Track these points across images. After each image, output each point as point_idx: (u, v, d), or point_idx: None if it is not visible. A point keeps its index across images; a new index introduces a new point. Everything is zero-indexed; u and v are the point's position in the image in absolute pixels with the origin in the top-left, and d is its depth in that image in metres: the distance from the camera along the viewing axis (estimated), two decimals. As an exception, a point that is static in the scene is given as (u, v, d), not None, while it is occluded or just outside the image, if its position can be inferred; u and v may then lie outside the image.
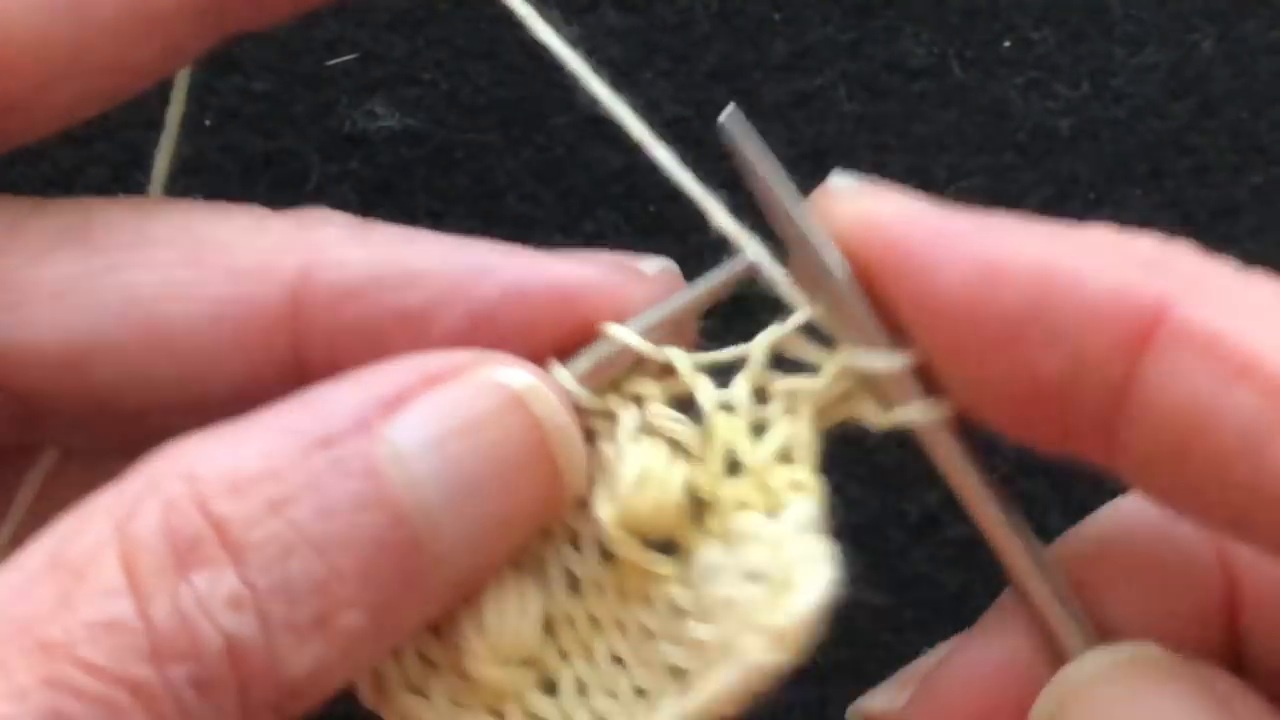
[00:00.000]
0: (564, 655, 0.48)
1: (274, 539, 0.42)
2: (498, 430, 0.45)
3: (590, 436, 0.47)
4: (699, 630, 0.46)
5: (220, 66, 0.60)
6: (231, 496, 0.42)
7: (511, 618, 0.47)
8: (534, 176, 0.60)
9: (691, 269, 0.59)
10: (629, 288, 0.48)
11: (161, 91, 0.58)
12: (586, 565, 0.48)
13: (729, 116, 0.47)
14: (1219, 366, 0.42)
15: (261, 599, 0.42)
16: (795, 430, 0.47)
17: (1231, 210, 0.60)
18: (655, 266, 0.49)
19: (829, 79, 0.61)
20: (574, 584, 0.48)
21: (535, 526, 0.47)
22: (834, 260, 0.46)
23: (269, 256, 0.48)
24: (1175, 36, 0.61)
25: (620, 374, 0.47)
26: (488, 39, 0.60)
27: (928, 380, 0.46)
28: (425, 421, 0.44)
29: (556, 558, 0.48)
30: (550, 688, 0.48)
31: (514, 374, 0.45)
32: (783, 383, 0.47)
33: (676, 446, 0.47)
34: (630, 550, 0.47)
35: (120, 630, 0.41)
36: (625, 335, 0.47)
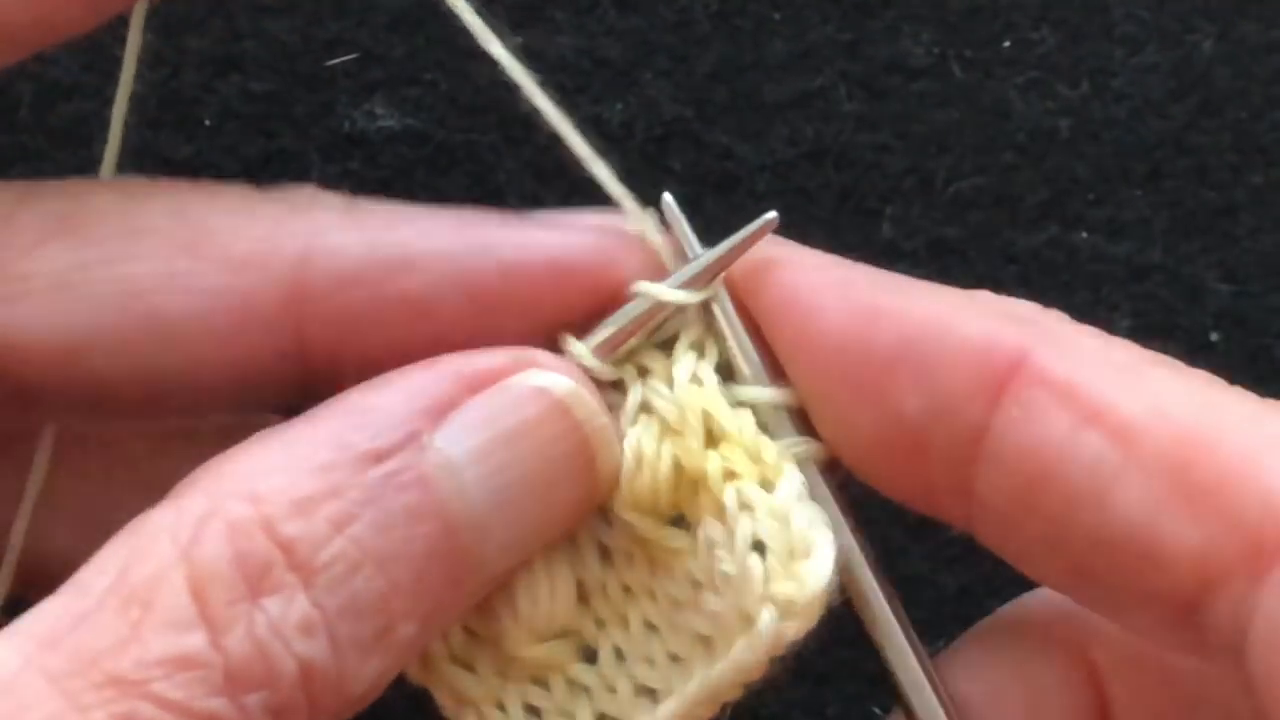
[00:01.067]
0: (600, 623, 0.48)
1: (340, 558, 0.42)
2: (542, 437, 0.45)
3: (611, 408, 0.47)
4: (712, 602, 0.47)
5: (220, 66, 0.60)
6: (296, 517, 0.42)
7: (543, 600, 0.47)
8: (534, 176, 0.60)
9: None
10: (625, 256, 0.48)
11: (164, 92, 0.58)
12: (616, 537, 0.48)
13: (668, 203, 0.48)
14: (1071, 410, 0.43)
15: (331, 620, 0.42)
16: (771, 399, 0.48)
17: (1231, 210, 0.60)
18: (638, 225, 0.48)
19: (829, 79, 0.61)
20: (605, 554, 0.49)
21: (573, 524, 0.47)
22: (724, 300, 0.47)
23: (266, 244, 0.47)
24: (1175, 36, 0.61)
25: (634, 342, 0.48)
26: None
27: (805, 420, 0.47)
28: (472, 430, 0.45)
29: (588, 531, 0.48)
30: (590, 656, 0.48)
31: (554, 379, 0.46)
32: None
33: (666, 426, 0.47)
34: (645, 528, 0.47)
35: (194, 664, 0.41)
36: (657, 290, 0.47)
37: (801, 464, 0.47)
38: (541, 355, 0.46)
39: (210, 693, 0.41)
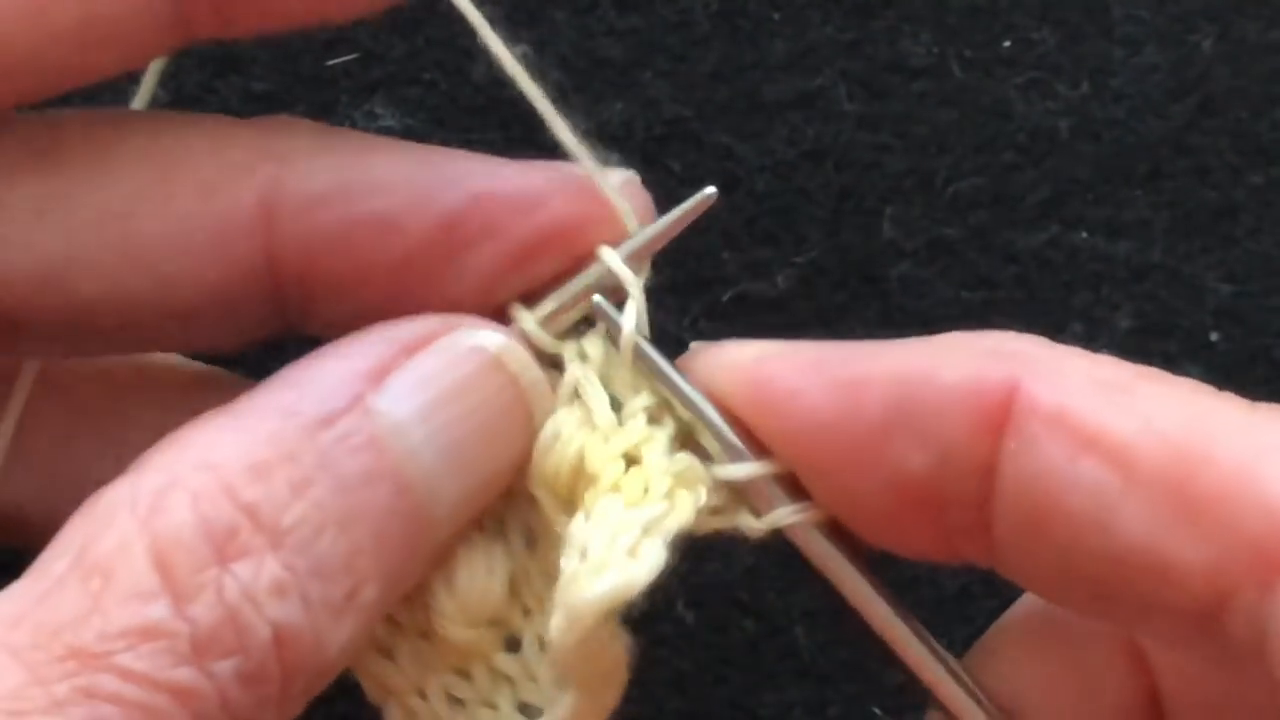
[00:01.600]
0: (526, 612, 0.48)
1: (304, 520, 0.43)
2: (481, 393, 0.46)
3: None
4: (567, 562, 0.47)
5: (220, 66, 0.60)
6: (257, 482, 0.43)
7: (480, 577, 0.48)
8: (534, 176, 0.60)
9: (692, 268, 0.59)
10: (589, 200, 0.48)
11: (164, 92, 0.58)
12: (539, 520, 0.48)
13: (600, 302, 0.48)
14: (1066, 439, 0.43)
15: (303, 582, 0.42)
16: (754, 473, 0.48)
17: (1231, 210, 0.60)
18: (619, 178, 0.49)
19: (829, 79, 0.61)
20: (531, 540, 0.49)
21: (512, 479, 0.48)
22: (699, 399, 0.47)
23: (238, 168, 0.48)
24: (1175, 36, 0.61)
25: (576, 315, 0.48)
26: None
27: (796, 487, 0.47)
28: (413, 391, 0.45)
29: (517, 514, 0.48)
30: (514, 645, 0.48)
31: (487, 336, 0.46)
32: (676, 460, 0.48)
33: (588, 417, 0.48)
34: (547, 506, 0.48)
35: (158, 634, 0.41)
36: (612, 260, 0.47)
37: (802, 528, 0.47)
38: (470, 318, 0.47)
39: (176, 662, 0.40)
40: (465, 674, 0.48)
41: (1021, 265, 0.60)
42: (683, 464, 0.47)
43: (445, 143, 0.60)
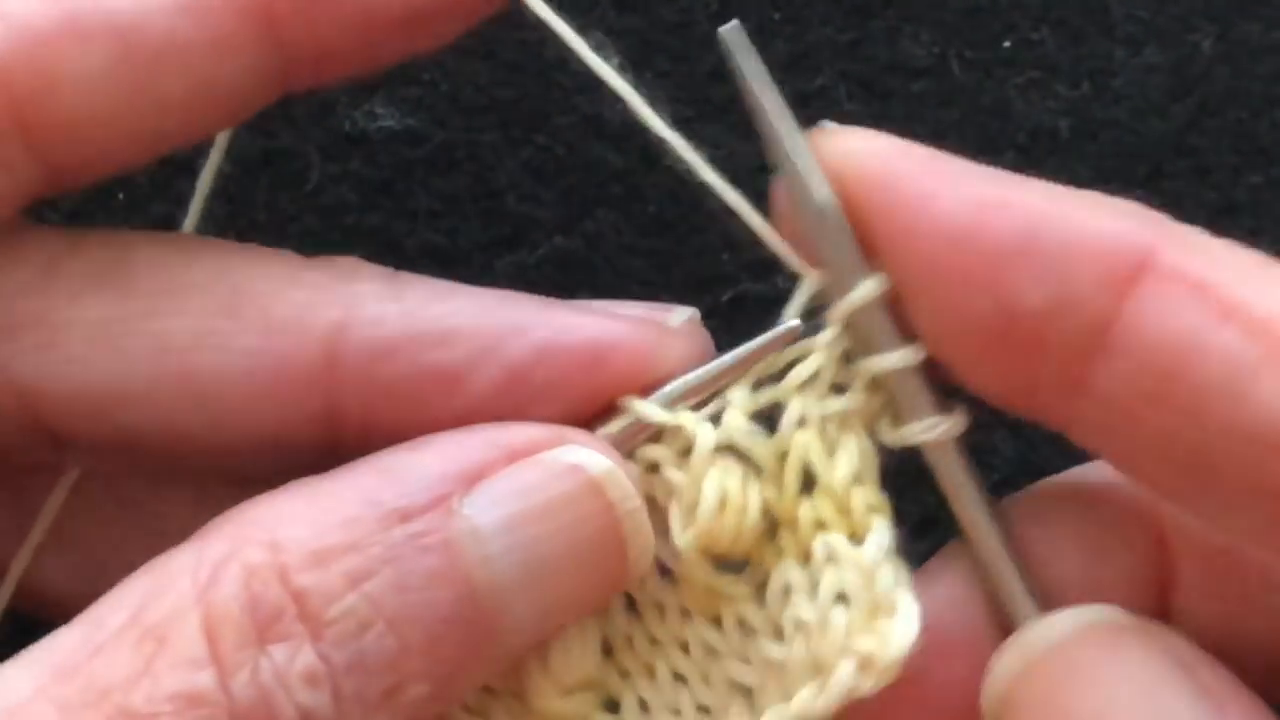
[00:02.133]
0: (625, 675, 0.48)
1: (351, 614, 0.42)
2: (573, 514, 0.45)
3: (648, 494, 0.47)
4: (772, 649, 0.47)
5: (220, 66, 0.60)
6: (313, 568, 0.42)
7: (574, 652, 0.47)
8: (534, 176, 0.60)
9: (691, 268, 0.59)
10: (658, 346, 0.48)
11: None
12: (645, 589, 0.48)
13: (730, 29, 0.47)
14: (1207, 307, 0.43)
15: (336, 674, 0.42)
16: (863, 450, 0.47)
17: (1231, 210, 0.60)
18: (681, 318, 0.49)
19: (829, 79, 0.61)
20: (631, 605, 0.48)
21: (598, 608, 0.47)
22: (821, 184, 0.46)
23: (305, 309, 0.47)
24: (1175, 36, 0.61)
25: (643, 439, 0.47)
26: (488, 39, 0.60)
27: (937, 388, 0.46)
28: (503, 500, 0.44)
29: None
30: (613, 707, 0.48)
31: (591, 457, 0.46)
32: (829, 403, 0.47)
33: (749, 465, 0.47)
34: (703, 573, 0.47)
35: (202, 702, 0.41)
36: (643, 409, 0.47)
37: (936, 444, 0.47)
38: (579, 434, 0.46)
39: None
40: None
41: (1021, 265, 0.60)
42: (853, 461, 0.47)
43: (445, 142, 0.60)
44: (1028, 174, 0.60)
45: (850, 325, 0.47)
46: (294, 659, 0.42)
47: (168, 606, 0.42)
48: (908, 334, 0.47)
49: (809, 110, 0.60)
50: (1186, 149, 0.61)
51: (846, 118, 0.60)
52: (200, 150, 0.59)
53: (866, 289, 0.46)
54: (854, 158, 0.46)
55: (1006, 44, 0.61)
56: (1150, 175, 0.60)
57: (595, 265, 0.60)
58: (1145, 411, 0.44)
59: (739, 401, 0.47)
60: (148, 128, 0.47)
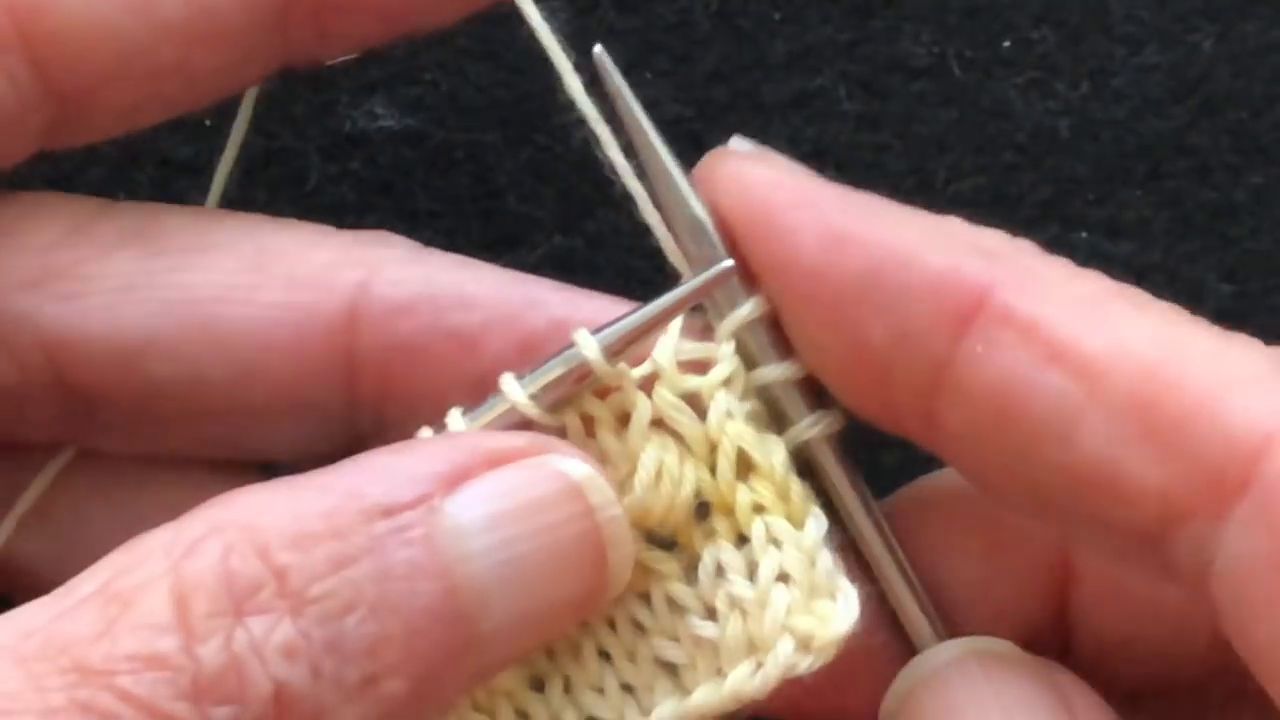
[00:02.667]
0: (551, 655, 0.48)
1: (333, 595, 0.42)
2: (554, 517, 0.45)
3: (561, 433, 0.47)
4: (704, 628, 0.47)
5: (220, 66, 0.60)
6: (294, 549, 0.42)
7: None
8: (534, 176, 0.60)
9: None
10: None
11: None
12: None
13: (601, 52, 0.49)
14: (1035, 349, 0.44)
15: (315, 651, 0.42)
16: (787, 445, 0.48)
17: (1231, 210, 0.60)
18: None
19: (829, 79, 0.61)
20: None
21: (578, 618, 0.47)
22: (691, 203, 0.48)
23: (328, 268, 0.49)
24: (1175, 36, 0.61)
25: (578, 390, 0.48)
26: (488, 39, 0.60)
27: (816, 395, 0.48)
28: (484, 500, 0.44)
29: None
30: (539, 686, 0.48)
31: (572, 464, 0.46)
32: (745, 403, 0.48)
33: (682, 444, 0.47)
34: (636, 547, 0.47)
35: (162, 664, 0.41)
36: (586, 348, 0.47)
37: (814, 443, 0.48)
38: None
39: (175, 695, 0.40)
40: (489, 712, 0.48)
41: (1021, 265, 0.60)
42: (783, 452, 0.48)
43: (445, 142, 0.60)
44: (1028, 174, 0.60)
45: (738, 337, 0.48)
46: (272, 632, 0.41)
47: (139, 576, 0.42)
48: (788, 347, 0.48)
49: (809, 110, 0.61)
50: (1186, 149, 0.61)
51: (846, 118, 0.60)
52: (201, 151, 0.59)
53: (745, 311, 0.48)
54: (732, 187, 0.47)
55: (1006, 44, 0.61)
56: (1150, 175, 0.60)
57: (595, 265, 0.60)
58: (985, 449, 0.45)
59: (669, 380, 0.47)
60: (147, 54, 0.48)
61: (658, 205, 0.49)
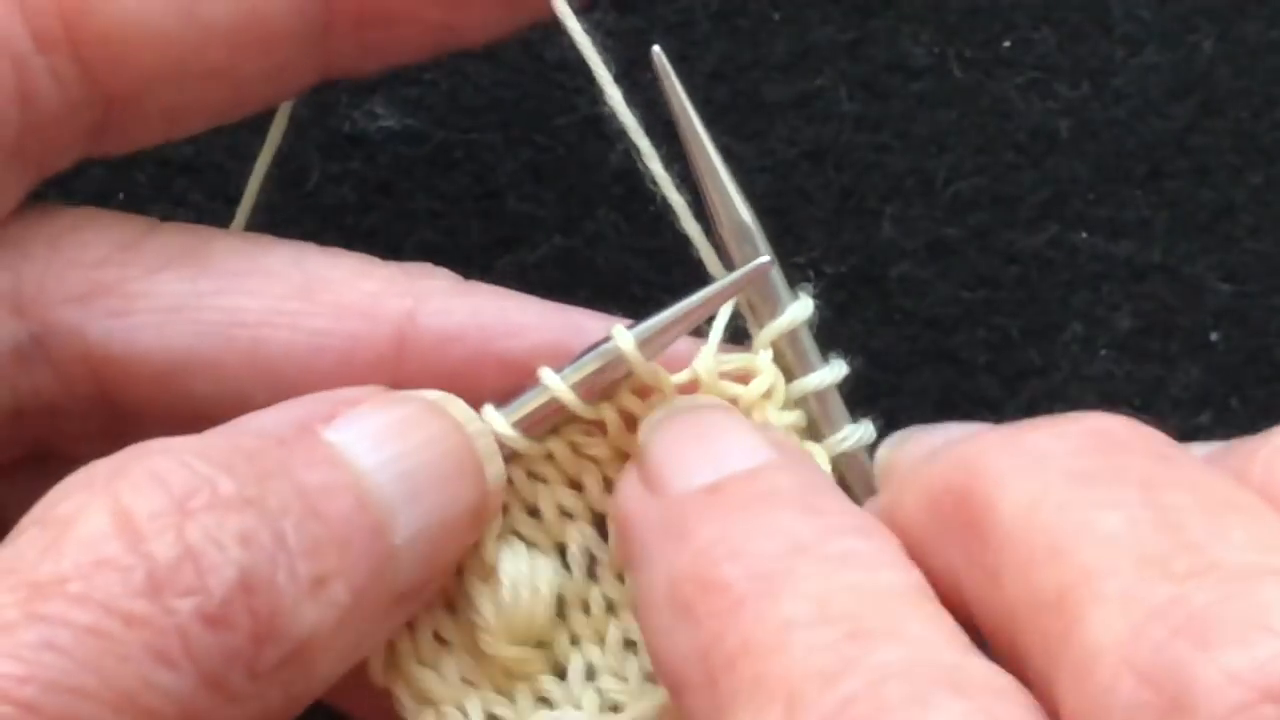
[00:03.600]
0: (575, 640, 0.48)
1: (265, 499, 0.43)
2: (429, 431, 0.46)
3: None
4: None
5: (220, 66, 0.60)
6: (215, 465, 0.43)
7: (525, 594, 0.48)
8: (534, 176, 0.60)
9: (691, 268, 0.59)
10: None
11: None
12: (611, 550, 0.48)
13: (659, 52, 0.50)
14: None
15: (267, 543, 0.42)
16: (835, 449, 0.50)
17: (1231, 210, 0.60)
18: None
19: (829, 79, 0.61)
20: (593, 568, 0.49)
21: (473, 532, 0.48)
22: (739, 206, 0.49)
23: (375, 297, 0.49)
24: (1175, 36, 0.61)
25: (616, 386, 0.48)
26: (488, 39, 0.60)
27: None
28: (360, 422, 0.46)
29: (580, 539, 0.48)
30: (561, 673, 0.48)
31: (426, 391, 0.47)
32: (786, 415, 0.49)
33: None
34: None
35: (110, 566, 0.41)
36: (621, 340, 0.47)
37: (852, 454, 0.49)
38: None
39: (130, 593, 0.41)
40: (508, 694, 0.48)
41: (1021, 265, 0.60)
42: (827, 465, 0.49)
43: (445, 142, 0.60)
44: (1028, 174, 0.60)
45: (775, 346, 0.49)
46: (224, 521, 0.42)
47: (73, 503, 0.42)
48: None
49: (809, 110, 0.61)
50: (1186, 149, 0.61)
51: (846, 118, 0.60)
52: (201, 151, 0.59)
53: (784, 321, 0.49)
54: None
55: (1006, 44, 0.61)
56: (1150, 175, 0.60)
57: (595, 265, 0.60)
58: None
59: (710, 387, 0.48)
60: (193, 57, 0.48)
61: (704, 210, 0.50)
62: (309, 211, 0.60)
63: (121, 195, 0.60)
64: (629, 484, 0.46)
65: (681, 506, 0.44)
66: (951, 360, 0.59)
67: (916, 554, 0.43)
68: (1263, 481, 0.42)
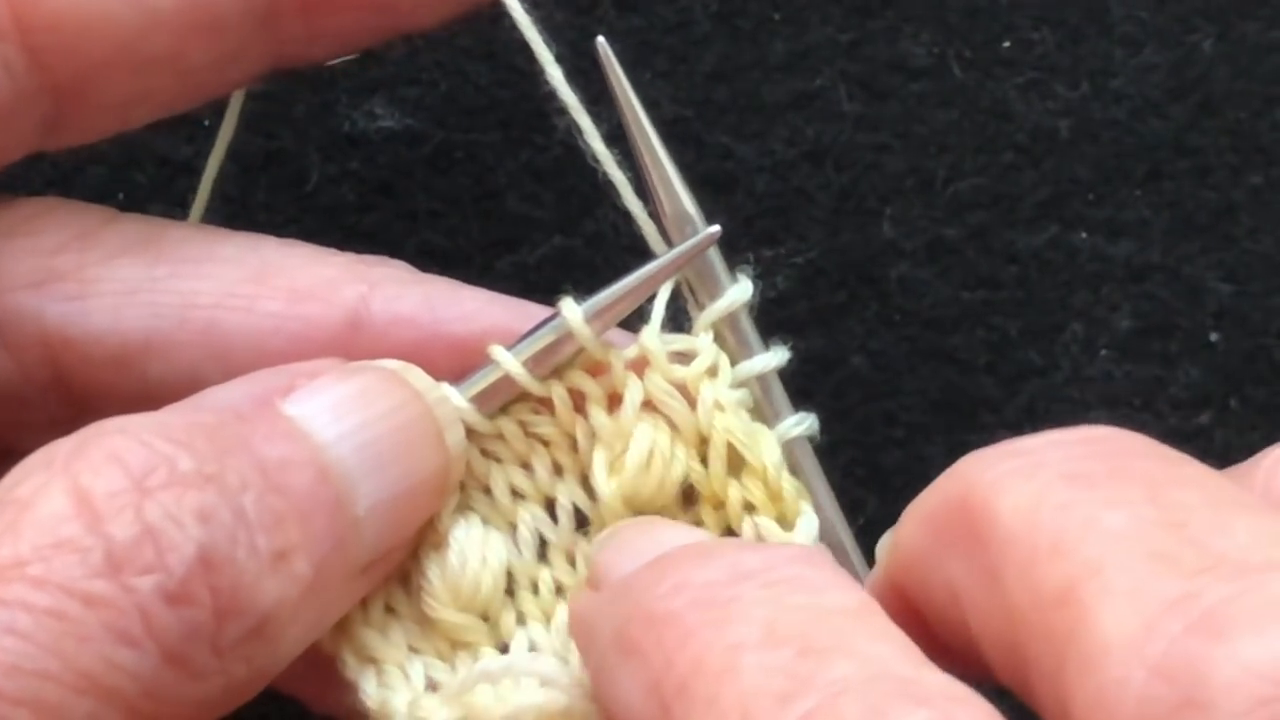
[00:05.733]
0: (521, 619, 0.49)
1: (224, 475, 0.43)
2: (388, 401, 0.47)
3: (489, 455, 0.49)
4: None
5: (220, 66, 0.60)
6: (173, 443, 0.43)
7: (473, 562, 0.48)
8: (534, 176, 0.60)
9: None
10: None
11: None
12: (560, 533, 0.49)
13: (603, 42, 0.50)
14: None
15: (227, 519, 0.43)
16: (779, 439, 0.48)
17: (1231, 210, 0.60)
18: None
19: (829, 79, 0.61)
20: (543, 551, 0.49)
21: (435, 501, 0.48)
22: (681, 197, 0.49)
23: (330, 283, 0.50)
24: (1175, 36, 0.61)
25: (565, 361, 0.49)
26: (488, 39, 0.60)
27: None
28: (320, 396, 0.46)
29: (530, 521, 0.49)
30: (504, 649, 0.48)
31: (384, 361, 0.48)
32: (733, 393, 0.49)
33: (673, 428, 0.48)
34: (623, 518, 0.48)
35: (69, 548, 0.41)
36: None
37: (797, 441, 0.49)
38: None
39: (90, 574, 0.41)
40: (449, 661, 0.48)
41: (1021, 265, 0.60)
42: (775, 448, 0.48)
43: (445, 142, 0.60)
44: (1028, 174, 0.60)
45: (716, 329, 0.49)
46: (182, 499, 0.42)
47: (31, 484, 0.42)
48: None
49: (809, 110, 0.61)
50: (1186, 149, 0.61)
51: (846, 118, 0.60)
52: (201, 151, 0.59)
53: (723, 303, 0.48)
54: None
55: (1006, 44, 0.61)
56: (1150, 175, 0.60)
57: (595, 265, 0.60)
58: None
59: (659, 366, 0.48)
60: (140, 43, 0.48)
61: (648, 197, 0.49)
62: (309, 211, 0.60)
63: (121, 195, 0.60)
64: (578, 593, 0.47)
65: (625, 581, 0.44)
66: (951, 360, 0.59)
67: (916, 577, 0.43)
68: (1265, 489, 0.42)
